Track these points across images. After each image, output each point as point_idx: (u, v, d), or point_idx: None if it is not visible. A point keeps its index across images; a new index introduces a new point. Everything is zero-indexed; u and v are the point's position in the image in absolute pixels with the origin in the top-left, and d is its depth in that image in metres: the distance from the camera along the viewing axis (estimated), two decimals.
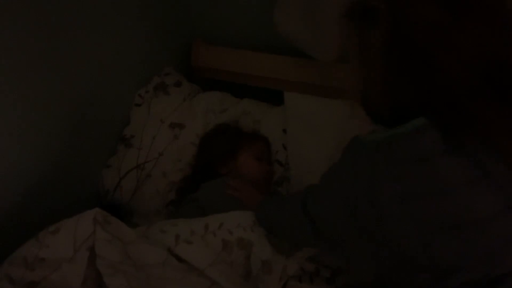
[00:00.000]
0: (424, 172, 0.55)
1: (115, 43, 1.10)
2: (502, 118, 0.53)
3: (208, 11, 1.33)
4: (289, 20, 1.16)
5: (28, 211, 0.91)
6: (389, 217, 0.57)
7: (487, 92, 0.53)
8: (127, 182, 1.14)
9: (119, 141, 1.17)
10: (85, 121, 1.05)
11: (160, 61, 1.29)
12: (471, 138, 0.53)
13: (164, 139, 1.18)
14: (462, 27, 0.53)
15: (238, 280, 0.77)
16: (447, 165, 0.54)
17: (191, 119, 1.21)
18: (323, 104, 1.17)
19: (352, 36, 0.64)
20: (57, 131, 0.97)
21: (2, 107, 0.80)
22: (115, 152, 1.17)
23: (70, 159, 1.03)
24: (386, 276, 0.64)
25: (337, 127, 1.13)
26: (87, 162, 1.11)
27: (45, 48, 0.88)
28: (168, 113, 1.21)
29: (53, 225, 0.77)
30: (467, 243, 0.55)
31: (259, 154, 1.13)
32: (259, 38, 1.31)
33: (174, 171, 1.16)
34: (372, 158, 0.59)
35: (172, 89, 1.24)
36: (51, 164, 0.96)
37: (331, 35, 1.12)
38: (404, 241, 0.57)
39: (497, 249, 0.55)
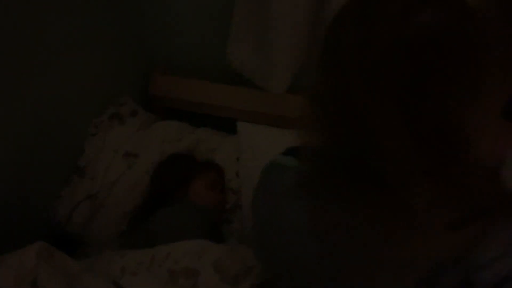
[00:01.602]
0: (275, 208, 0.60)
1: (71, 72, 1.10)
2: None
3: (165, 42, 1.36)
4: (241, 53, 1.21)
5: None
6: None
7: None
8: (80, 212, 1.13)
9: (73, 171, 1.17)
10: (37, 151, 1.04)
11: (116, 90, 1.30)
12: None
13: (118, 169, 1.18)
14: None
15: None
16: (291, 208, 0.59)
17: (146, 149, 1.22)
18: (274, 133, 1.21)
19: None
20: (7, 160, 0.96)
21: None
22: (69, 182, 1.16)
23: (22, 189, 1.02)
24: None
25: None
26: (39, 192, 1.10)
27: None
28: (123, 142, 1.22)
29: None
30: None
31: (212, 183, 1.15)
32: (215, 69, 1.34)
33: (128, 201, 1.16)
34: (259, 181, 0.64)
35: (128, 119, 1.26)
36: (1, 194, 0.95)
37: (282, 68, 1.17)
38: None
39: None
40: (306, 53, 1.17)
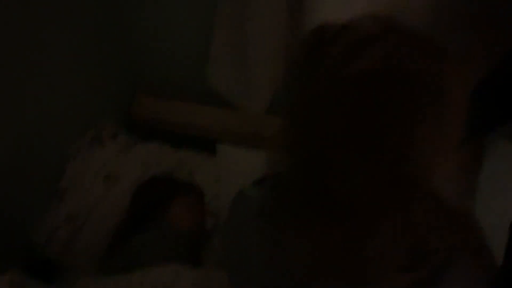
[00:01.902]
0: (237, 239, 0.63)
1: (53, 94, 1.11)
2: None
3: (148, 64, 1.38)
4: (221, 74, 1.22)
5: None
6: None
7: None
8: (59, 235, 1.13)
9: (53, 194, 1.17)
10: (17, 173, 1.05)
11: (98, 112, 1.31)
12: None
13: (98, 191, 1.19)
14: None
15: None
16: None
17: (127, 171, 1.23)
18: (253, 155, 1.21)
19: None
20: None
21: None
22: (48, 204, 1.17)
23: (0, 211, 1.02)
24: None
25: None
26: (19, 215, 1.10)
27: None
28: (103, 165, 1.22)
29: None
30: None
31: (191, 205, 1.15)
32: (196, 91, 1.36)
33: (107, 224, 1.16)
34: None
35: (108, 141, 1.26)
36: None
37: (260, 89, 1.18)
38: None
39: None
40: (283, 75, 1.18)
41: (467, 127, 0.50)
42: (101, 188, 1.19)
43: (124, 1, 1.26)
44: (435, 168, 0.47)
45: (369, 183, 0.47)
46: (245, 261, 0.64)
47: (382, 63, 0.44)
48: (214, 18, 1.13)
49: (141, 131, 1.39)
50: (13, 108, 1.00)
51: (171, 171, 1.26)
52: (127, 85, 1.41)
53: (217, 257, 1.11)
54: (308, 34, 0.52)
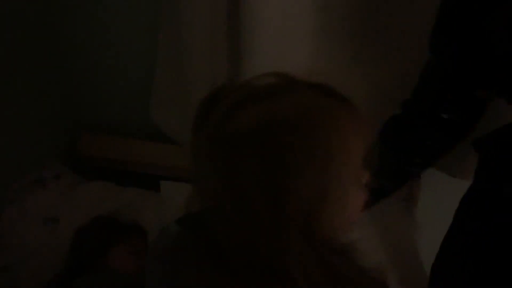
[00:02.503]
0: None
1: None
2: None
3: (90, 101, 1.36)
4: (162, 112, 1.21)
5: None
6: None
7: None
8: None
9: None
10: None
11: (40, 151, 1.27)
12: None
13: (36, 237, 1.14)
14: None
15: None
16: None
17: (68, 213, 1.19)
18: None
19: None
20: None
21: None
22: None
23: None
24: None
25: None
26: None
27: None
28: (44, 208, 1.18)
29: None
30: None
31: (135, 248, 1.10)
32: (141, 127, 1.33)
33: (47, 272, 1.11)
34: None
35: (51, 182, 1.22)
36: None
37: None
38: None
39: None
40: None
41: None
42: (41, 233, 1.14)
43: (64, 38, 1.24)
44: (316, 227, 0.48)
45: (248, 234, 0.48)
46: None
47: (256, 122, 0.47)
48: (157, 56, 1.13)
49: (86, 169, 1.35)
50: None
51: (116, 211, 1.21)
52: (70, 123, 1.38)
53: None
54: (208, 93, 0.54)
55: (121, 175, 1.33)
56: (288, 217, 0.46)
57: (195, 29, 1.00)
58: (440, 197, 0.98)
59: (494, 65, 0.64)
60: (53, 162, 1.27)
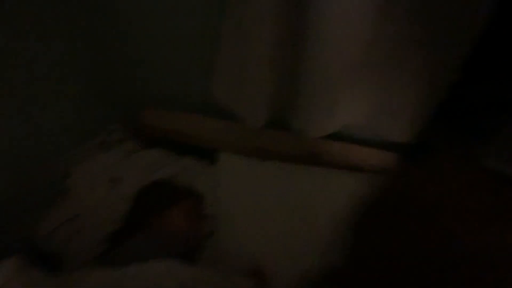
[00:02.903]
0: None
1: (65, 100, 1.18)
2: None
3: (154, 77, 1.45)
4: (223, 88, 1.29)
5: None
6: None
7: None
8: (60, 232, 1.18)
9: (58, 193, 1.23)
10: (26, 172, 1.11)
11: (107, 119, 1.38)
12: None
13: (101, 192, 1.24)
14: None
15: None
16: None
17: (130, 174, 1.28)
18: (253, 164, 1.27)
19: None
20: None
21: None
22: (53, 202, 1.22)
23: (8, 206, 1.07)
24: None
25: (264, 187, 1.22)
26: (25, 210, 1.15)
27: None
28: (108, 167, 1.28)
29: None
30: None
31: (190, 211, 1.19)
32: (201, 103, 1.42)
33: (108, 224, 1.20)
34: None
35: (115, 145, 1.33)
36: None
37: (258, 104, 1.25)
38: None
39: None
40: (284, 91, 1.25)
41: None
42: (104, 190, 1.25)
43: (128, 16, 1.31)
44: None
45: None
46: None
47: None
48: (221, 34, 1.21)
49: (146, 138, 1.45)
50: (28, 115, 1.06)
51: (173, 177, 1.31)
52: (134, 94, 1.48)
53: (217, 255, 1.15)
54: None
55: (178, 146, 1.42)
56: None
57: (260, 11, 1.08)
58: None
59: None
60: (118, 129, 1.38)
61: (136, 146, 1.38)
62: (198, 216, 1.22)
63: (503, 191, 0.90)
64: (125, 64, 1.41)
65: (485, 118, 1.16)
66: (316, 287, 0.80)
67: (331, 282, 0.79)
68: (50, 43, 1.12)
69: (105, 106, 1.38)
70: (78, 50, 1.23)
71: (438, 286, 0.65)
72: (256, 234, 1.16)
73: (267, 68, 1.18)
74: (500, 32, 0.97)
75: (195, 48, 1.31)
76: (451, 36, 1.01)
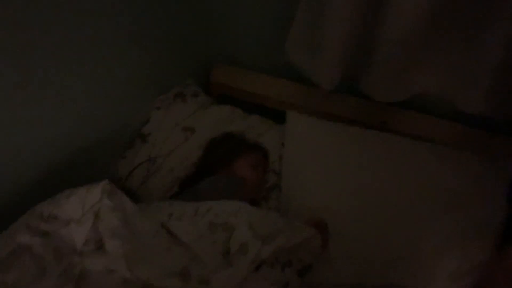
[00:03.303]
0: None
1: (145, 55, 1.26)
2: None
3: (229, 36, 1.50)
4: (298, 50, 1.32)
5: (49, 188, 0.98)
6: None
7: None
8: (138, 172, 1.29)
9: (137, 137, 1.33)
10: (110, 116, 1.20)
11: (183, 74, 1.46)
12: None
13: (175, 139, 1.33)
14: None
15: (217, 256, 0.88)
16: None
17: (202, 126, 1.36)
18: (319, 124, 1.30)
19: None
20: (86, 125, 1.12)
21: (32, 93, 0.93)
22: (133, 145, 1.32)
23: (92, 147, 1.17)
24: None
25: (331, 148, 1.26)
26: (107, 151, 1.25)
27: (86, 47, 1.04)
28: (183, 118, 1.37)
29: (68, 190, 0.89)
30: None
31: (256, 163, 1.25)
32: (271, 63, 1.47)
33: (180, 168, 1.30)
34: None
35: (190, 98, 1.41)
36: (73, 150, 1.10)
37: (332, 66, 1.27)
38: None
39: None
40: (358, 55, 1.26)
41: None
42: (179, 137, 1.33)
43: None
44: None
45: None
46: None
47: None
48: None
49: (217, 95, 1.52)
50: (114, 65, 1.14)
51: (241, 132, 1.37)
52: (209, 53, 1.55)
53: (280, 207, 1.21)
54: None
55: (247, 105, 1.48)
56: None
57: None
58: None
59: None
60: (193, 83, 1.45)
61: (209, 100, 1.45)
62: (264, 169, 1.28)
63: None
64: (201, 19, 1.47)
65: None
66: None
67: None
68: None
69: (182, 64, 1.45)
70: (159, 7, 1.29)
71: None
72: (318, 191, 1.20)
73: (343, 32, 1.19)
74: None
75: (273, 7, 1.34)
76: None
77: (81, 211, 0.86)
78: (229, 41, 1.52)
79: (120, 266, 0.81)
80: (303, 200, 1.20)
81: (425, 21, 1.09)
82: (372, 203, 1.15)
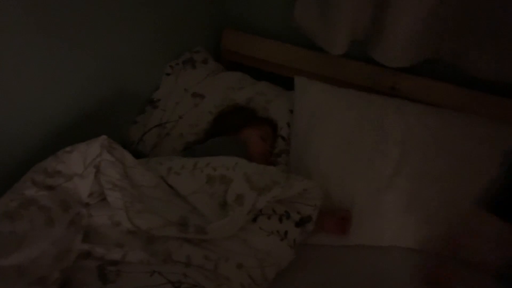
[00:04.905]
0: None
1: (156, 21, 1.27)
2: None
3: (238, 2, 1.50)
4: (307, 15, 1.31)
5: (59, 146, 0.99)
6: None
7: None
8: (149, 137, 1.32)
9: (148, 103, 1.36)
10: (121, 81, 1.23)
11: (193, 40, 1.47)
12: None
13: (185, 105, 1.35)
14: None
15: (214, 207, 0.91)
16: None
17: (212, 92, 1.38)
18: (328, 89, 1.29)
19: None
20: (99, 90, 1.14)
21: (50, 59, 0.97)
22: (144, 111, 1.35)
23: (103, 111, 1.19)
24: None
25: (340, 113, 1.25)
26: (118, 116, 1.29)
27: (98, 18, 1.06)
28: (193, 84, 1.38)
29: (69, 146, 0.91)
30: None
31: (264, 134, 1.26)
32: (280, 29, 1.46)
33: (190, 134, 1.33)
34: None
35: (199, 65, 1.42)
36: (84, 113, 1.12)
37: (341, 31, 1.25)
38: None
39: None
40: (367, 22, 1.24)
41: None
42: (189, 103, 1.36)
43: None
44: None
45: None
46: None
47: None
48: None
49: (226, 61, 1.53)
50: (122, 32, 1.15)
51: (250, 98, 1.38)
52: (217, 19, 1.55)
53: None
54: None
55: (256, 71, 1.48)
56: None
57: None
58: None
59: None
60: (203, 50, 1.47)
61: (219, 67, 1.46)
62: (272, 142, 1.29)
63: None
64: None
65: None
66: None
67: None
68: None
69: (192, 29, 1.46)
70: None
71: None
72: (327, 156, 1.20)
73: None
74: None
75: None
76: None
77: (83, 166, 0.89)
78: (239, 7, 1.52)
79: (121, 217, 0.85)
80: (312, 165, 1.21)
81: None
82: (380, 167, 1.15)
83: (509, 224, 0.86)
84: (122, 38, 1.17)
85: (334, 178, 1.17)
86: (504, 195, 0.95)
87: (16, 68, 0.91)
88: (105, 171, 0.89)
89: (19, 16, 0.87)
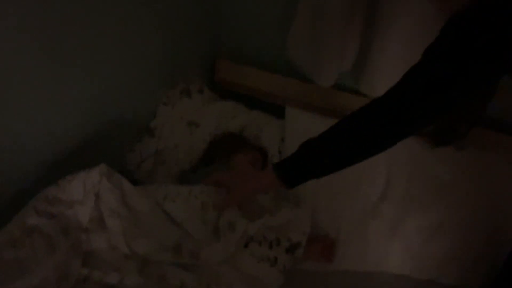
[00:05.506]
0: None
1: (152, 52, 1.33)
2: None
3: (231, 34, 1.57)
4: (298, 47, 1.38)
5: (57, 174, 1.02)
6: None
7: None
8: (145, 165, 1.37)
9: (145, 131, 1.41)
10: (119, 111, 1.28)
11: (188, 71, 1.53)
12: None
13: (181, 133, 1.41)
14: None
15: (207, 234, 0.96)
16: None
17: (206, 121, 1.44)
18: (317, 120, 1.36)
19: None
20: (95, 121, 1.17)
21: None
22: (141, 139, 1.40)
23: (102, 140, 1.23)
24: None
25: None
26: (116, 145, 1.33)
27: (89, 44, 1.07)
28: (188, 113, 1.44)
29: (69, 175, 0.96)
30: None
31: (253, 161, 1.32)
32: (272, 60, 1.53)
33: (185, 161, 1.38)
34: None
35: (195, 94, 1.48)
36: (83, 142, 1.15)
37: (329, 63, 1.32)
38: None
39: None
40: (354, 54, 1.31)
41: None
42: (184, 131, 1.41)
43: None
44: None
45: None
46: None
47: None
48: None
49: (221, 90, 1.60)
50: (120, 60, 1.20)
51: (242, 127, 1.44)
52: (212, 50, 1.62)
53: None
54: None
55: (249, 100, 1.55)
56: None
57: None
58: None
59: None
60: (198, 80, 1.54)
61: (213, 96, 1.53)
62: (260, 165, 1.34)
63: None
64: (208, 17, 1.53)
65: None
66: None
67: None
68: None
69: (187, 60, 1.53)
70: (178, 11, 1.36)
71: None
72: (316, 187, 1.25)
73: (341, 33, 1.25)
74: None
75: (274, 6, 1.40)
76: None
77: (83, 193, 0.94)
78: (234, 38, 1.59)
79: (120, 243, 0.90)
80: (301, 191, 1.25)
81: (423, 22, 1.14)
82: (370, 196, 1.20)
83: None
84: (123, 68, 1.22)
85: (322, 202, 1.22)
86: None
87: (17, 93, 0.91)
88: (104, 197, 0.94)
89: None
